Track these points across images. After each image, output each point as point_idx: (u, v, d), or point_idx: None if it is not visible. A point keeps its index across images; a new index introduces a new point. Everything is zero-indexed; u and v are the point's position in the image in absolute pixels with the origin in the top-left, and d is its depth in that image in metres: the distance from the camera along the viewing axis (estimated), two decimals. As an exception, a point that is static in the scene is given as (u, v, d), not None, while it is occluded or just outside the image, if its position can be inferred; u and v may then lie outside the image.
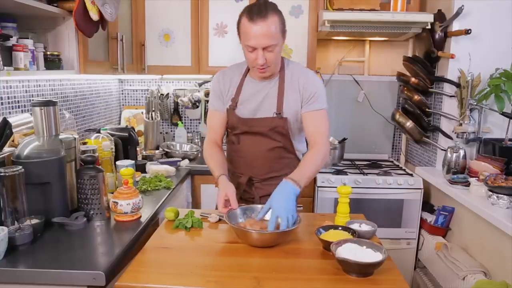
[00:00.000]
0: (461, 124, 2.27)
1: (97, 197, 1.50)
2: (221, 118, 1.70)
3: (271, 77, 1.62)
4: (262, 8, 1.45)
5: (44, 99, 1.60)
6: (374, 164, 2.82)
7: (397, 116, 2.71)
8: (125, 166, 1.85)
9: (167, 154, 2.65)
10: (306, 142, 1.68)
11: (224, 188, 1.49)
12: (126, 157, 2.28)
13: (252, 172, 1.71)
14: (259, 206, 1.49)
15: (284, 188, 1.41)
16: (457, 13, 2.23)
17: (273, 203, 1.38)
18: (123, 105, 3.13)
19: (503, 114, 2.14)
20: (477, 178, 2.04)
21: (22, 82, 1.87)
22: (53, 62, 1.71)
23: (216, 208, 1.62)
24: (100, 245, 1.34)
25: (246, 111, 1.64)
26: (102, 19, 1.72)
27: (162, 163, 2.40)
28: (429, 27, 2.42)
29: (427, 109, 2.56)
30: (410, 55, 2.81)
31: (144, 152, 2.62)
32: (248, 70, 1.66)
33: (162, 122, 3.06)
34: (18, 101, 1.85)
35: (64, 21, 1.75)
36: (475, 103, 2.23)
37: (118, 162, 1.97)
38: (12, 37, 1.53)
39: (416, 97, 2.58)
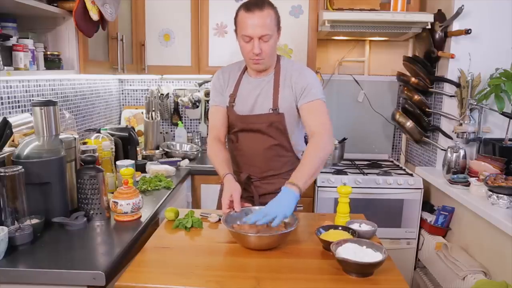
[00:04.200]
0: (461, 124, 2.27)
1: (97, 197, 1.50)
2: (223, 113, 1.71)
3: (266, 72, 1.64)
4: (258, 2, 1.53)
5: (44, 99, 1.60)
6: (374, 164, 2.82)
7: (397, 116, 2.71)
8: (125, 166, 1.86)
9: (167, 154, 2.64)
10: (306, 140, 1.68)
11: (229, 189, 1.49)
12: (126, 157, 2.28)
13: (251, 170, 1.72)
14: (259, 208, 1.47)
15: (282, 195, 1.38)
16: (457, 13, 2.23)
17: (266, 207, 1.36)
18: (123, 105, 3.13)
19: (503, 114, 2.14)
20: (477, 178, 2.04)
21: (22, 82, 1.87)
22: (53, 62, 1.71)
23: (217, 208, 1.62)
24: (100, 245, 1.34)
25: (244, 108, 1.65)
26: (102, 19, 1.72)
27: (162, 163, 2.40)
28: (429, 27, 2.42)
29: (427, 109, 2.56)
30: (410, 55, 2.81)
31: (144, 152, 2.62)
32: (245, 68, 1.69)
33: (162, 122, 3.06)
34: (18, 101, 1.85)
35: (64, 21, 1.75)
36: (475, 103, 2.23)
37: (118, 162, 1.97)
38: (12, 37, 1.53)
39: (416, 97, 2.58)
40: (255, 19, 1.49)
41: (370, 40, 2.93)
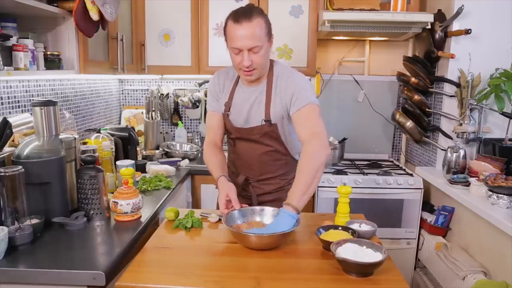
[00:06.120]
0: (461, 124, 2.27)
1: (97, 197, 1.50)
2: (219, 119, 1.70)
3: (258, 81, 1.61)
4: (247, 11, 1.46)
5: (44, 99, 1.60)
6: (374, 164, 2.82)
7: (397, 116, 2.71)
8: (125, 166, 1.86)
9: (167, 154, 2.65)
10: None
11: (224, 189, 1.49)
12: (126, 157, 2.28)
13: (249, 173, 1.73)
14: (258, 208, 1.49)
15: (280, 217, 1.34)
16: (457, 13, 2.22)
17: (267, 228, 1.35)
18: (123, 105, 3.13)
19: (503, 114, 2.14)
20: (477, 178, 2.04)
21: (22, 82, 1.87)
22: (53, 62, 1.71)
23: (217, 209, 1.62)
24: (100, 245, 1.34)
25: (238, 119, 1.64)
26: (102, 19, 1.71)
27: (162, 163, 2.40)
28: (429, 27, 2.41)
29: (427, 109, 2.56)
30: (410, 55, 2.81)
31: (144, 152, 2.62)
32: (239, 76, 1.65)
33: (162, 122, 3.06)
34: (18, 101, 1.85)
35: (64, 21, 1.75)
36: (475, 103, 2.23)
37: (118, 162, 1.97)
38: (12, 37, 1.53)
39: (416, 97, 2.57)
40: (243, 30, 1.43)
41: (370, 40, 2.93)
